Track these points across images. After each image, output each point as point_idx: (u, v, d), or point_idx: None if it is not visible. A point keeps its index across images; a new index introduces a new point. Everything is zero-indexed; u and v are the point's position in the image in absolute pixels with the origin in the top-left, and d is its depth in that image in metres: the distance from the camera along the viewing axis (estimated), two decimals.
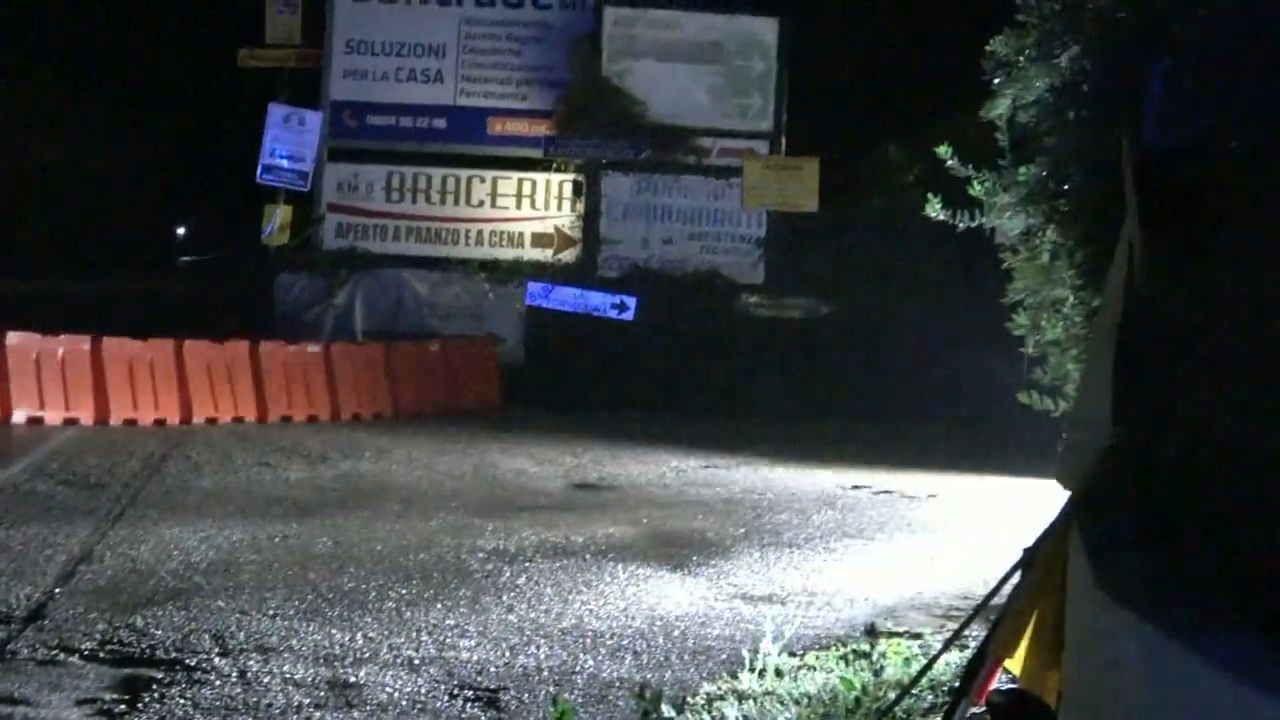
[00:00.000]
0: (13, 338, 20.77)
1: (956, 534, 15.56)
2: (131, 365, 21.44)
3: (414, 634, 10.62)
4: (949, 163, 10.17)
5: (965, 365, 23.46)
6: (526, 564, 13.23)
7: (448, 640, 10.51)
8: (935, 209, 10.25)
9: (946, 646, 8.03)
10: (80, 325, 22.23)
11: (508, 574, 12.79)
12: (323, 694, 9.12)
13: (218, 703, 8.82)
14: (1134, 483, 6.63)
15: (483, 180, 28.21)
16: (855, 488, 18.54)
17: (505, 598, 11.90)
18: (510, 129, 28.17)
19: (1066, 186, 8.87)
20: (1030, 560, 6.98)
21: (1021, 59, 9.00)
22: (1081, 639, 6.24)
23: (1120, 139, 6.81)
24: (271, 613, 10.98)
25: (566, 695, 9.24)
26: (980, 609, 7.06)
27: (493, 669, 9.84)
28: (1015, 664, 6.79)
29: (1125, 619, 5.48)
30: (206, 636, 10.21)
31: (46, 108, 30.41)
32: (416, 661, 9.91)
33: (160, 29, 29.08)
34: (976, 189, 9.91)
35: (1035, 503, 12.43)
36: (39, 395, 20.59)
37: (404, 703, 9.02)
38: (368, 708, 8.88)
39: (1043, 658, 6.68)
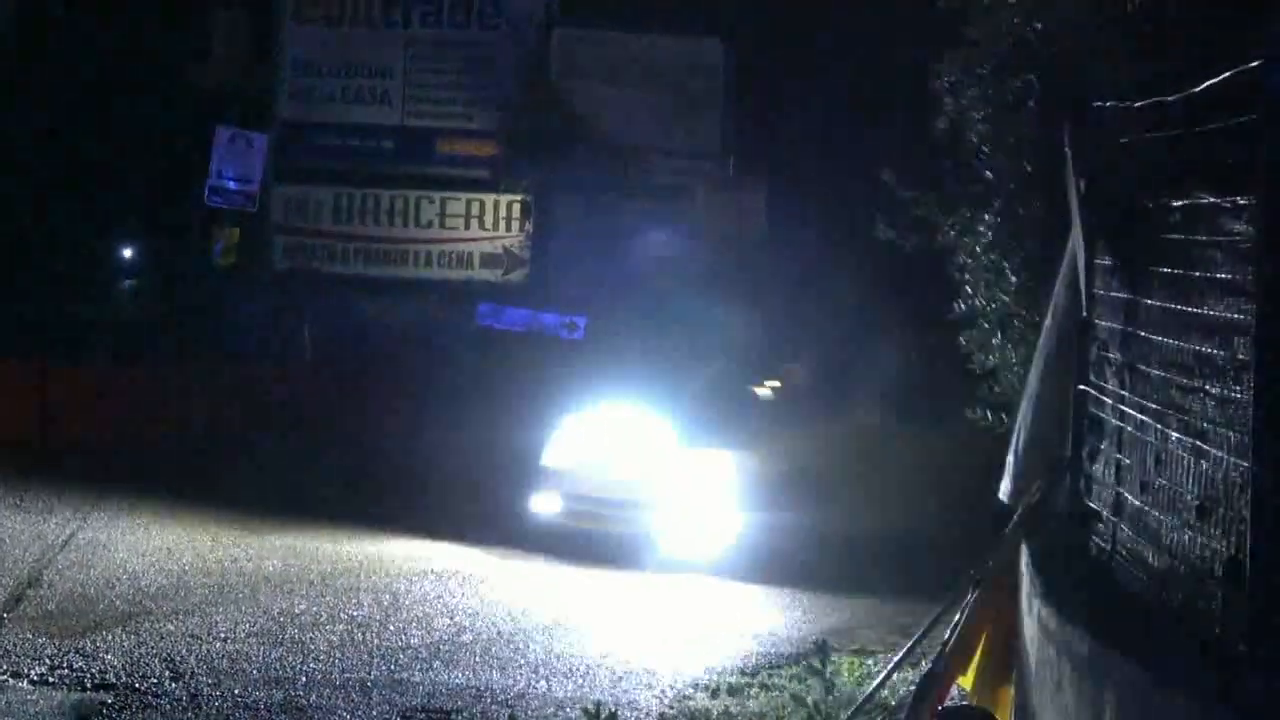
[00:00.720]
0: None
1: None
2: (78, 389, 21.30)
3: (366, 656, 10.61)
4: (888, 182, 10.27)
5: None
6: (479, 584, 13.23)
7: (400, 661, 10.51)
8: (883, 230, 10.34)
9: (898, 665, 8.09)
10: (23, 349, 21.99)
11: (460, 595, 12.79)
12: (275, 717, 9.10)
13: None
14: (1076, 499, 6.72)
15: (431, 201, 28.14)
16: None
17: (457, 619, 11.90)
18: (458, 149, 28.11)
19: (1012, 205, 8.97)
20: (981, 578, 7.06)
21: (972, 88, 9.10)
22: (1031, 654, 6.31)
23: (1065, 155, 6.92)
24: (223, 636, 10.94)
25: (520, 716, 9.26)
26: (932, 626, 7.12)
27: (445, 690, 9.85)
28: (968, 681, 6.86)
29: (1071, 633, 5.56)
30: (157, 660, 10.16)
31: None
32: (369, 684, 9.90)
33: (102, 47, 28.77)
34: (920, 210, 10.00)
35: None
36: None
37: None
38: None
39: (995, 674, 6.75)
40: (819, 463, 15.87)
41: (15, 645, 10.34)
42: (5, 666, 9.81)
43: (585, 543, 14.57)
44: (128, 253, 31.15)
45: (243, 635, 11.00)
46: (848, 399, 18.50)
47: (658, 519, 14.51)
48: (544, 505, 15.00)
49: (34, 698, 9.25)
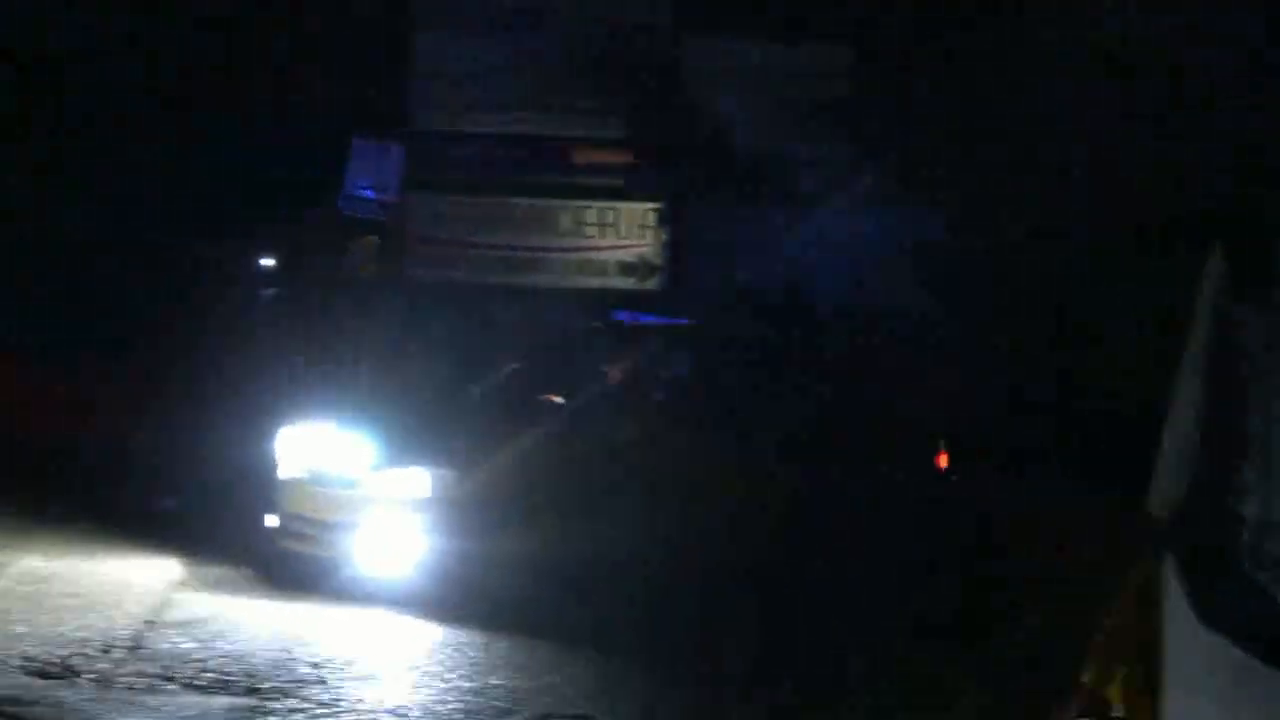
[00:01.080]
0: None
1: None
2: (225, 392, 21.78)
3: (510, 669, 10.70)
4: None
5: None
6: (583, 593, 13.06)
7: (542, 670, 10.62)
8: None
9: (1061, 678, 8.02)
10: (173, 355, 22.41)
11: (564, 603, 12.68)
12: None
13: None
14: (1223, 510, 6.64)
15: (565, 209, 28.22)
16: None
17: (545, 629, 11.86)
18: (592, 158, 28.18)
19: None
20: (1125, 588, 7.00)
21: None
22: (1176, 665, 6.25)
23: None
24: (367, 639, 11.10)
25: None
26: (1087, 638, 7.06)
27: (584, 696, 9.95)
28: (1113, 692, 6.80)
29: (1217, 644, 5.51)
30: (304, 664, 10.32)
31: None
32: (522, 690, 9.99)
33: (232, 57, 29.14)
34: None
35: None
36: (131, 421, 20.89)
37: None
38: None
39: (1139, 685, 6.69)
40: (548, 481, 14.24)
41: (166, 649, 10.54)
42: (156, 670, 9.99)
43: (295, 564, 13.67)
44: (268, 262, 31.57)
45: (385, 639, 11.17)
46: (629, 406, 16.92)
47: (351, 542, 13.43)
48: (271, 523, 14.25)
49: (183, 700, 9.42)
